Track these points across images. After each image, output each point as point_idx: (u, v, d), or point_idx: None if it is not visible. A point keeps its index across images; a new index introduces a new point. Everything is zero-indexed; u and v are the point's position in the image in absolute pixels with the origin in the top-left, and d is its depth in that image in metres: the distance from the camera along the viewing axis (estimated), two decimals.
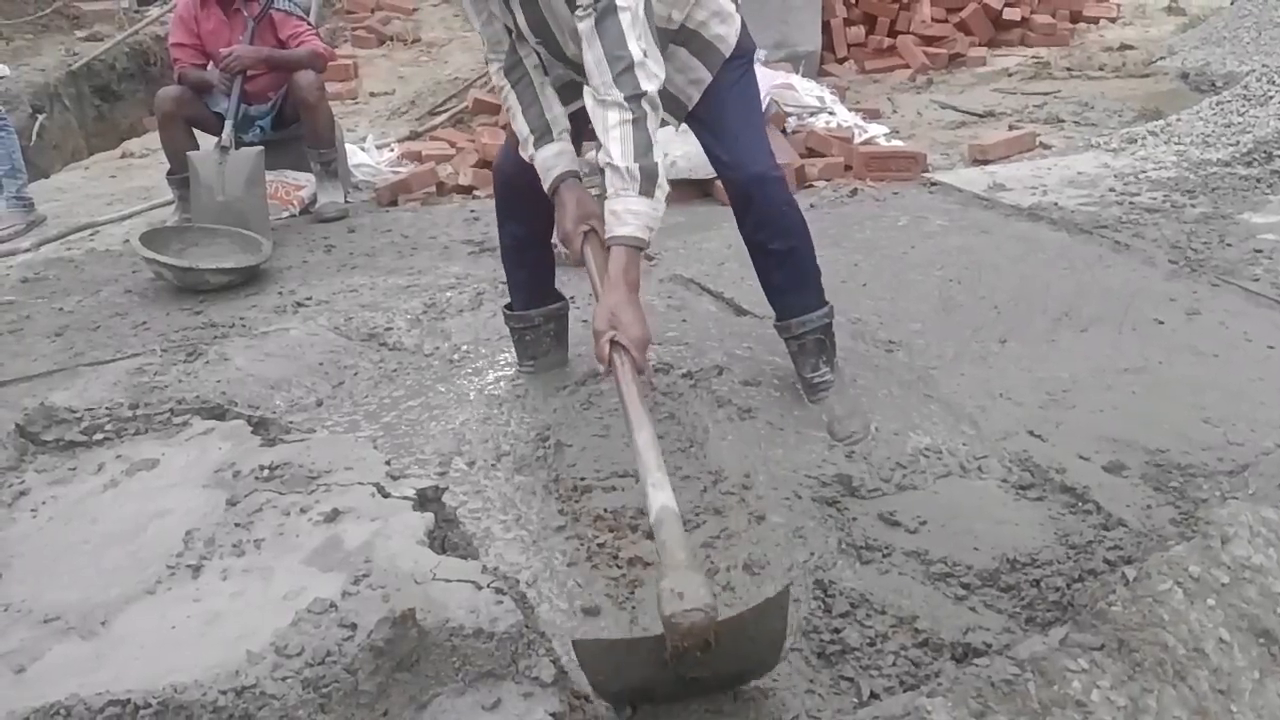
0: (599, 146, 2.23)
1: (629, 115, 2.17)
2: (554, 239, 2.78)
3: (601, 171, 2.23)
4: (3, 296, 4.20)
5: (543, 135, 2.48)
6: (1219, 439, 2.58)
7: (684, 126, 2.70)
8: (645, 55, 2.20)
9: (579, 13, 2.24)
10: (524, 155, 2.54)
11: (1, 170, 5.32)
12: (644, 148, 2.18)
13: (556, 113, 2.52)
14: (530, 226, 2.86)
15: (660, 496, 1.90)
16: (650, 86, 2.19)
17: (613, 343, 2.12)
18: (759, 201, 2.62)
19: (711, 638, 1.71)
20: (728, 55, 2.57)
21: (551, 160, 2.47)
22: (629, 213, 2.18)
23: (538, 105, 2.51)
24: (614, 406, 2.74)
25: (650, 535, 1.94)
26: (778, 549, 2.26)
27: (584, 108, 2.52)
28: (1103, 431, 2.65)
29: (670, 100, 2.56)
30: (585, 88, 2.27)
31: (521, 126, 2.51)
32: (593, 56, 2.20)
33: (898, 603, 2.13)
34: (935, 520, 2.35)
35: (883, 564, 2.25)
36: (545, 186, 2.48)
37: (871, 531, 2.33)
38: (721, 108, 2.59)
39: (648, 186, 2.18)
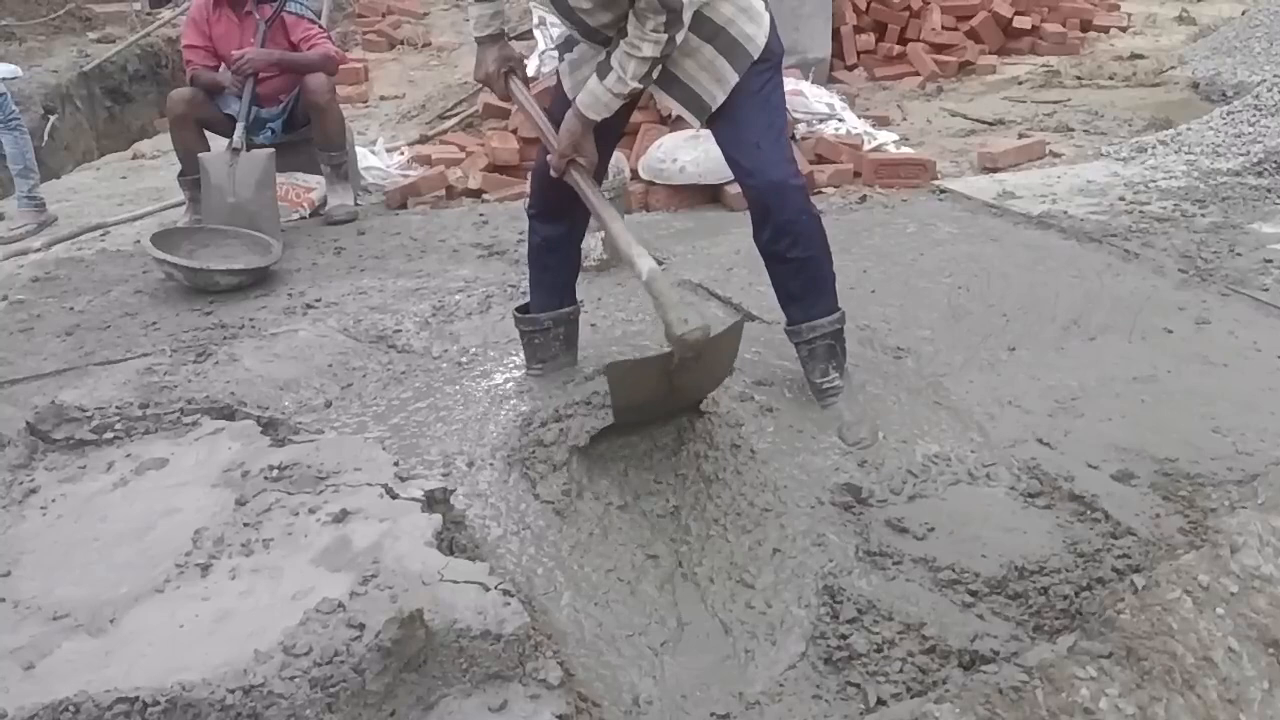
0: (610, 52, 2.50)
1: (656, 53, 2.44)
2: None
3: (606, 65, 2.51)
4: (14, 295, 4.21)
5: None
6: (1228, 448, 2.58)
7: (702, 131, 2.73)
8: (730, 34, 2.46)
9: None
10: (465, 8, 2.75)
11: (14, 170, 5.35)
12: (647, 77, 2.51)
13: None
14: (563, 228, 2.88)
15: (645, 262, 2.46)
16: (688, 18, 2.43)
17: (570, 161, 2.60)
18: (778, 210, 2.62)
19: (703, 349, 2.35)
20: (756, 56, 2.57)
21: (486, 21, 2.74)
22: (603, 103, 2.56)
23: None
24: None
25: (648, 292, 2.45)
26: (797, 558, 2.26)
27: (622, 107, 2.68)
28: (1112, 440, 2.64)
29: (693, 99, 2.57)
30: (631, 17, 2.41)
31: None
32: (647, 3, 2.36)
33: (905, 609, 2.12)
34: (943, 527, 2.35)
35: (890, 570, 2.25)
36: (474, 35, 2.77)
37: (880, 538, 2.33)
38: (745, 114, 2.59)
39: (622, 96, 2.55)
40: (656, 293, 2.44)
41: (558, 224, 2.87)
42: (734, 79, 2.55)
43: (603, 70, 2.52)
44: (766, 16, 2.59)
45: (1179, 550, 2.18)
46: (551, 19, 2.70)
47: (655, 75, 2.53)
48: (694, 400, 2.52)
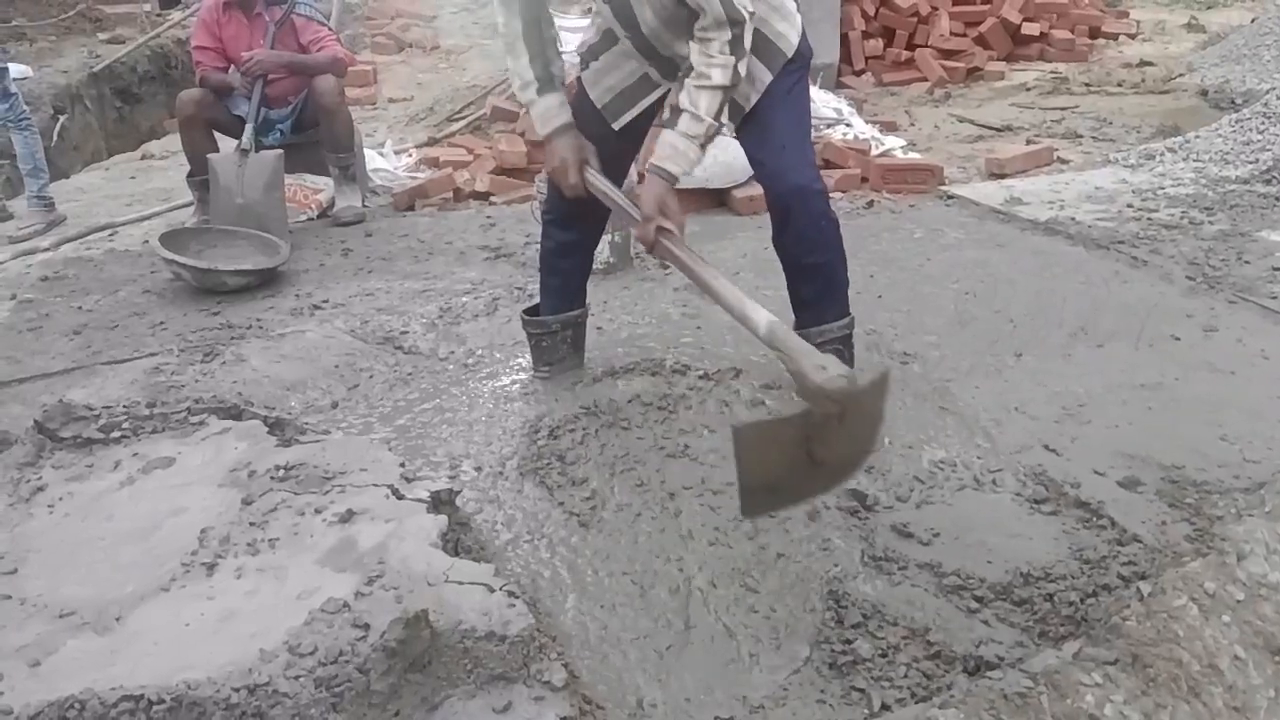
0: (684, 91, 2.38)
1: (728, 82, 2.34)
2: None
3: (675, 110, 2.40)
4: (23, 294, 4.23)
5: (546, 84, 2.60)
6: (1235, 456, 2.57)
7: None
8: (750, 12, 2.34)
9: None
10: (521, 98, 2.65)
11: (24, 170, 5.37)
12: (720, 112, 2.39)
13: (557, 70, 2.62)
14: (579, 234, 2.88)
15: (761, 314, 2.22)
16: (748, 45, 2.35)
17: (660, 229, 2.40)
18: (798, 213, 2.61)
19: (847, 403, 2.01)
20: (789, 55, 2.56)
21: (555, 109, 2.60)
22: (685, 157, 2.42)
23: (544, 57, 2.59)
24: (620, 404, 2.75)
25: (771, 347, 2.21)
26: (801, 562, 2.25)
27: (646, 112, 2.68)
28: (1118, 447, 2.64)
29: (731, 106, 2.56)
30: (694, 42, 2.35)
31: (524, 70, 2.59)
32: (713, 14, 2.30)
33: (910, 614, 2.12)
34: (949, 533, 2.35)
35: (896, 576, 2.25)
36: (542, 130, 2.62)
37: (885, 543, 2.33)
38: (773, 114, 2.58)
39: (707, 142, 2.42)
40: (781, 344, 2.17)
41: (574, 230, 2.87)
42: (768, 78, 2.55)
43: (671, 118, 2.41)
44: (799, 17, 2.59)
45: (1185, 557, 2.18)
46: (563, 26, 2.64)
47: (727, 113, 2.42)
48: (836, 477, 2.21)
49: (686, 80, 2.39)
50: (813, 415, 2.05)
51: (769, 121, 2.58)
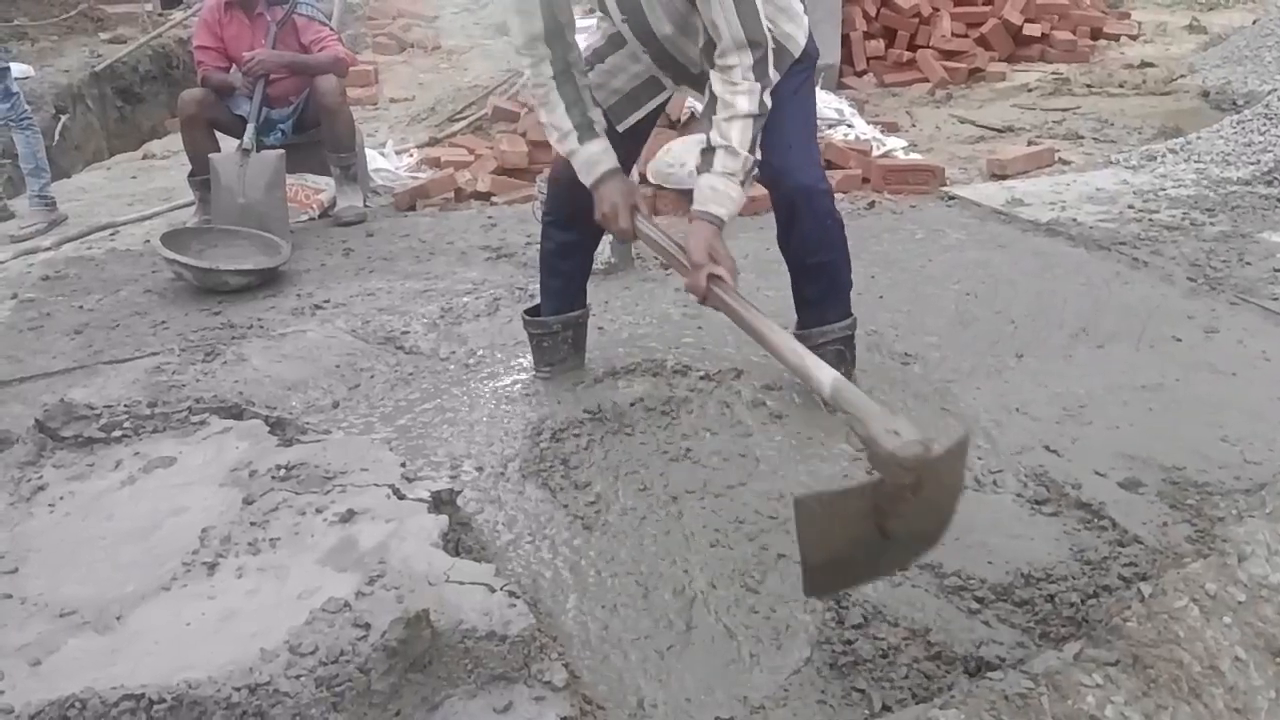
0: (713, 124, 2.30)
1: (756, 109, 2.28)
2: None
3: (707, 149, 2.31)
4: (24, 294, 4.23)
5: (586, 130, 2.52)
6: (1236, 457, 2.57)
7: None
8: (773, 37, 2.28)
9: None
10: (561, 149, 2.56)
11: (26, 169, 5.38)
12: (755, 142, 2.31)
13: (596, 115, 2.55)
14: (578, 235, 2.88)
15: (825, 372, 2.05)
16: (774, 76, 2.28)
17: (711, 276, 2.28)
18: (804, 213, 2.61)
19: (922, 472, 1.79)
20: (796, 55, 2.56)
21: (599, 155, 2.52)
22: (728, 196, 2.33)
23: (581, 104, 2.53)
24: (622, 408, 2.75)
25: (837, 406, 2.04)
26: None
27: (651, 114, 2.65)
28: (1119, 448, 2.63)
29: None
30: (714, 70, 2.29)
31: (562, 121, 2.52)
32: (731, 36, 2.23)
33: (911, 615, 2.12)
34: (949, 534, 2.33)
35: (896, 577, 2.24)
36: (589, 179, 2.53)
37: None
38: (779, 113, 2.55)
39: (747, 179, 2.34)
40: (848, 405, 1.98)
41: (573, 231, 2.87)
42: (777, 78, 2.55)
43: (705, 160, 2.34)
44: (805, 19, 2.59)
45: (1186, 559, 2.18)
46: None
47: (759, 150, 2.33)
48: (912, 553, 2.03)
49: (713, 116, 2.30)
50: (884, 486, 1.84)
51: (775, 121, 2.56)
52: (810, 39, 2.61)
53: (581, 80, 2.55)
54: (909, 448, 1.79)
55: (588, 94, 2.56)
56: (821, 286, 2.73)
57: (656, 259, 3.82)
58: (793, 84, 2.56)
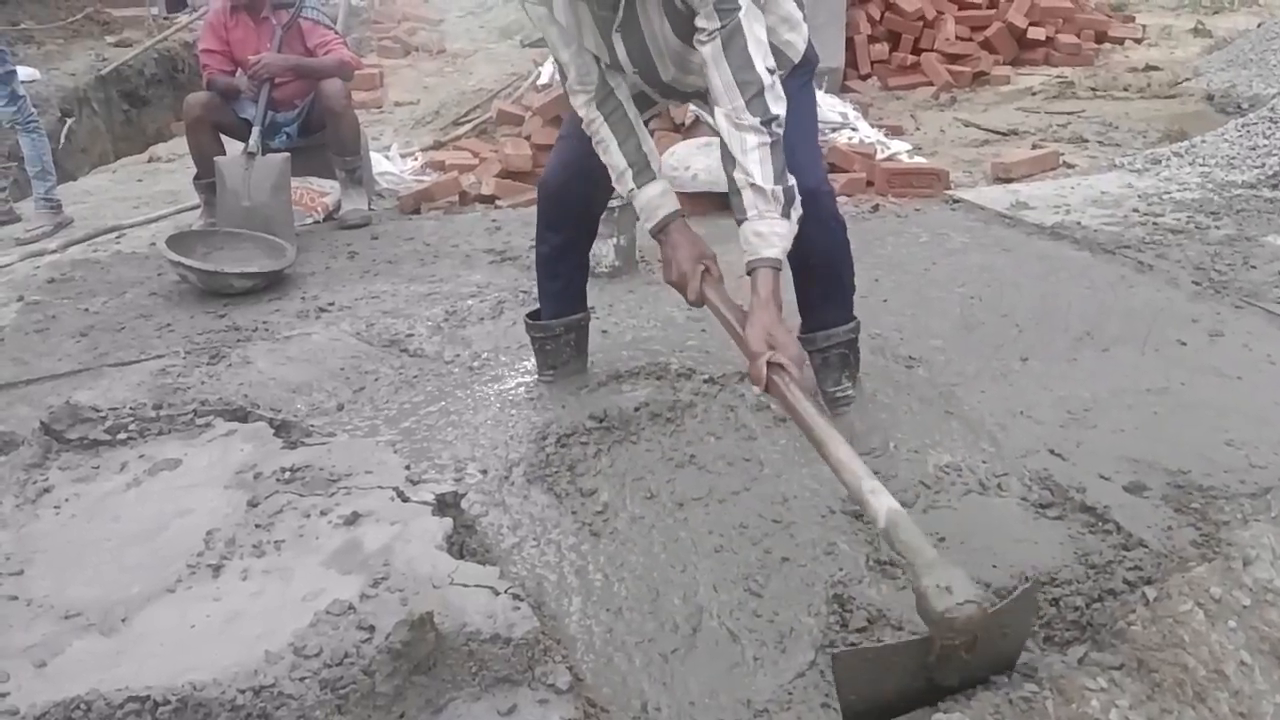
0: (733, 164, 2.23)
1: (766, 139, 2.19)
2: (592, 253, 2.87)
3: (735, 195, 2.23)
4: (30, 296, 4.24)
5: (642, 170, 2.44)
6: (1241, 461, 2.56)
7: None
8: (773, 76, 2.22)
9: (701, 37, 2.21)
10: (620, 189, 2.50)
11: (32, 172, 5.39)
12: (781, 170, 2.21)
13: (651, 146, 2.49)
14: (571, 237, 2.89)
15: (884, 501, 1.89)
16: (780, 110, 2.21)
17: (770, 363, 2.12)
18: (808, 215, 2.60)
19: (979, 631, 1.70)
20: (796, 61, 2.57)
21: (658, 200, 2.44)
22: (775, 234, 2.21)
23: (634, 139, 2.46)
24: (626, 414, 2.75)
25: (889, 544, 1.91)
26: (806, 566, 2.25)
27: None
28: (1124, 451, 2.63)
29: None
30: (718, 110, 2.24)
31: (618, 160, 2.45)
32: (721, 81, 2.20)
33: (915, 618, 2.11)
34: (954, 537, 2.34)
35: (901, 580, 2.24)
36: (650, 225, 2.44)
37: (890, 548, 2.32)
38: None
39: (787, 208, 2.22)
40: (902, 547, 1.83)
41: (566, 232, 2.88)
42: (780, 109, 2.53)
43: (737, 210, 2.23)
44: (804, 26, 2.59)
45: (1191, 563, 2.17)
46: None
47: (792, 180, 2.23)
48: (959, 690, 1.82)
49: (730, 155, 2.23)
50: (934, 644, 1.74)
51: None
52: (810, 45, 2.61)
53: (633, 112, 2.48)
54: (962, 610, 1.69)
55: (642, 127, 2.49)
56: (824, 288, 2.74)
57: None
58: (792, 88, 2.55)
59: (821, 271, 2.70)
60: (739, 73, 2.19)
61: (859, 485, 1.93)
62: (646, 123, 2.69)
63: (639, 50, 2.40)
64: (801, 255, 2.68)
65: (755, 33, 2.22)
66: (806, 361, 2.21)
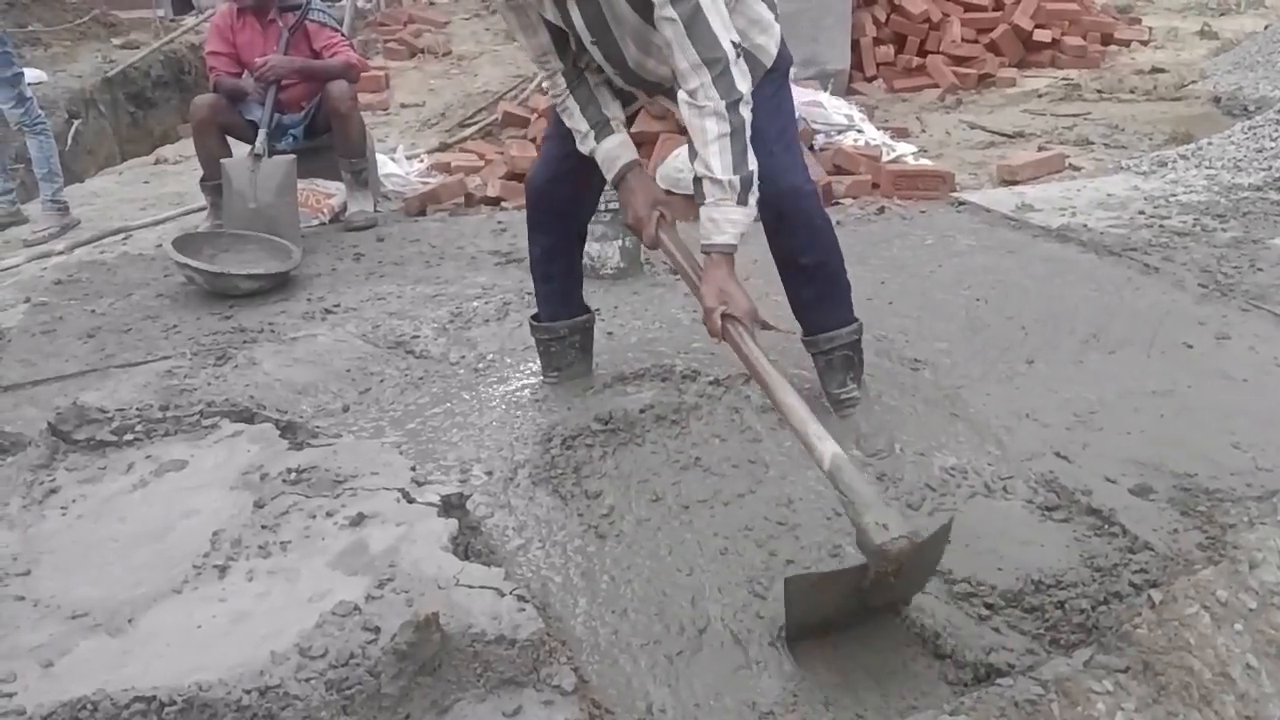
0: (694, 154, 2.29)
1: (727, 127, 2.23)
2: (585, 252, 2.87)
3: (696, 180, 2.30)
4: (37, 298, 4.25)
5: (603, 128, 2.54)
6: (1248, 464, 2.56)
7: None
8: (737, 50, 2.24)
9: (662, 11, 2.22)
10: (584, 150, 2.57)
11: (39, 173, 5.41)
12: (741, 158, 2.26)
13: (614, 110, 2.57)
14: (559, 237, 2.89)
15: (828, 446, 2.08)
16: (745, 86, 2.25)
17: (725, 316, 2.28)
18: (791, 215, 2.62)
19: (906, 561, 1.93)
20: (769, 65, 2.57)
21: (615, 150, 2.53)
22: (728, 221, 2.30)
23: (595, 104, 2.55)
24: (631, 416, 2.75)
25: (833, 484, 2.08)
26: (811, 568, 2.25)
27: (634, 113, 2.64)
28: (1130, 454, 2.63)
29: None
30: (680, 94, 2.28)
31: (580, 123, 2.55)
32: (687, 62, 2.22)
33: (920, 621, 2.11)
34: (959, 540, 2.33)
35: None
36: (610, 176, 2.55)
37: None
38: (758, 123, 2.57)
39: (744, 195, 2.29)
40: (845, 487, 2.03)
41: (554, 234, 2.89)
42: (745, 87, 2.54)
43: (697, 193, 2.32)
44: (776, 27, 2.59)
45: (1197, 565, 2.17)
46: None
47: (754, 163, 2.29)
48: (887, 610, 2.12)
49: (692, 146, 2.29)
50: (869, 571, 1.98)
51: (756, 130, 2.57)
52: (783, 46, 2.61)
53: (595, 80, 2.58)
54: (896, 544, 1.91)
55: (603, 92, 2.58)
56: (819, 287, 2.74)
57: (665, 264, 3.83)
58: (767, 91, 2.57)
59: (814, 271, 2.70)
60: (705, 51, 2.21)
61: (806, 431, 2.12)
62: (631, 119, 2.72)
63: (595, 20, 2.40)
64: (791, 256, 2.69)
65: (717, 6, 2.24)
66: (758, 314, 2.36)
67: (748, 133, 2.26)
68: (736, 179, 2.25)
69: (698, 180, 2.30)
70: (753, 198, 2.30)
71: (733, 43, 2.24)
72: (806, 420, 2.13)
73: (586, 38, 2.45)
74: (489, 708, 1.71)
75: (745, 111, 2.24)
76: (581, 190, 2.79)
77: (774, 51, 2.57)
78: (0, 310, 4.16)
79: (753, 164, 2.28)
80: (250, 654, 1.69)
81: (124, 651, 1.74)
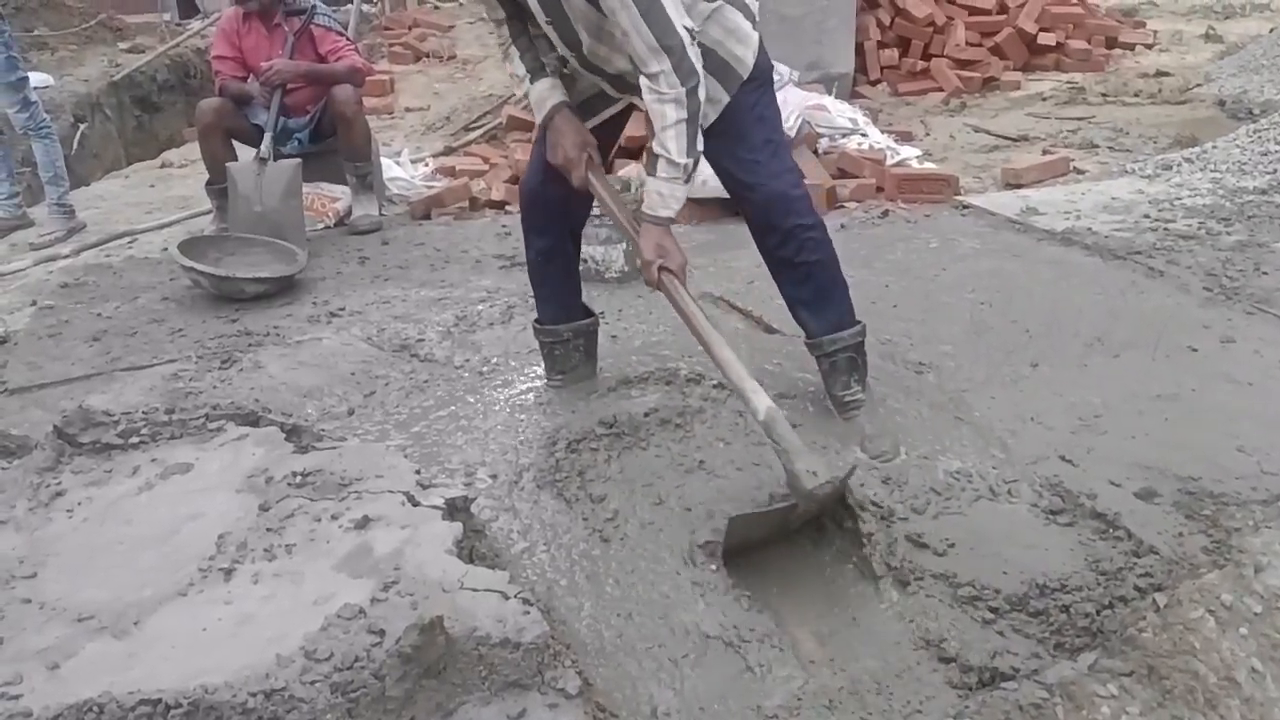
0: (653, 134, 2.41)
1: (685, 113, 2.36)
2: (590, 256, 2.90)
3: (651, 154, 2.44)
4: (43, 301, 4.26)
5: (536, 72, 2.65)
6: (1252, 468, 2.56)
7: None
8: (691, 36, 2.33)
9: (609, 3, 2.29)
10: (519, 93, 2.73)
11: (44, 177, 5.43)
12: (693, 141, 2.41)
13: (548, 58, 2.67)
14: (555, 239, 2.91)
15: (762, 399, 2.34)
16: (697, 64, 2.36)
17: (661, 269, 2.48)
18: (781, 218, 2.65)
19: (828, 502, 2.25)
20: (745, 76, 2.58)
21: (546, 92, 2.63)
22: (674, 197, 2.47)
23: (532, 52, 2.66)
24: (635, 419, 2.75)
25: (766, 434, 2.34)
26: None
27: (611, 120, 2.72)
28: (1135, 458, 2.62)
29: None
30: (642, 79, 2.36)
31: (518, 68, 2.67)
32: (644, 46, 2.30)
33: (925, 625, 2.12)
34: (964, 543, 2.34)
35: (911, 586, 2.24)
36: (539, 117, 2.65)
37: (900, 553, 2.32)
38: (742, 131, 2.61)
39: (690, 175, 2.45)
40: (778, 437, 2.31)
41: (549, 235, 2.90)
42: (725, 98, 2.57)
43: (650, 165, 2.46)
44: (755, 36, 2.61)
45: (1202, 569, 2.17)
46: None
47: (701, 145, 2.44)
48: (798, 532, 2.43)
49: (652, 126, 2.40)
50: (798, 509, 2.29)
51: (739, 138, 2.61)
52: (762, 54, 2.63)
53: (534, 33, 2.66)
54: (824, 489, 2.23)
55: (542, 44, 2.66)
56: (813, 288, 2.75)
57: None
58: (749, 101, 2.60)
59: (810, 269, 2.71)
60: (662, 38, 2.30)
61: (743, 385, 2.37)
62: (616, 125, 2.83)
63: (550, 1, 2.46)
64: (784, 254, 2.71)
65: None
66: (689, 266, 2.56)
67: (699, 118, 2.40)
68: (690, 161, 2.41)
69: (654, 157, 2.42)
70: (695, 177, 2.49)
71: (686, 28, 2.33)
72: (743, 375, 2.37)
73: (541, 17, 2.51)
74: (494, 711, 1.71)
75: (701, 94, 2.37)
76: (574, 192, 2.80)
77: (751, 62, 2.59)
78: (6, 314, 4.17)
79: (701, 146, 2.44)
80: (255, 657, 1.69)
81: (130, 654, 1.74)
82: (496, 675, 1.75)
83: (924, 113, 7.34)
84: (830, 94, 6.25)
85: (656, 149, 2.41)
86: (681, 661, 2.05)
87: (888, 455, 2.63)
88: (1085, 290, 3.74)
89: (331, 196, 5.24)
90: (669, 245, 2.52)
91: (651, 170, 2.45)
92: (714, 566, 2.25)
